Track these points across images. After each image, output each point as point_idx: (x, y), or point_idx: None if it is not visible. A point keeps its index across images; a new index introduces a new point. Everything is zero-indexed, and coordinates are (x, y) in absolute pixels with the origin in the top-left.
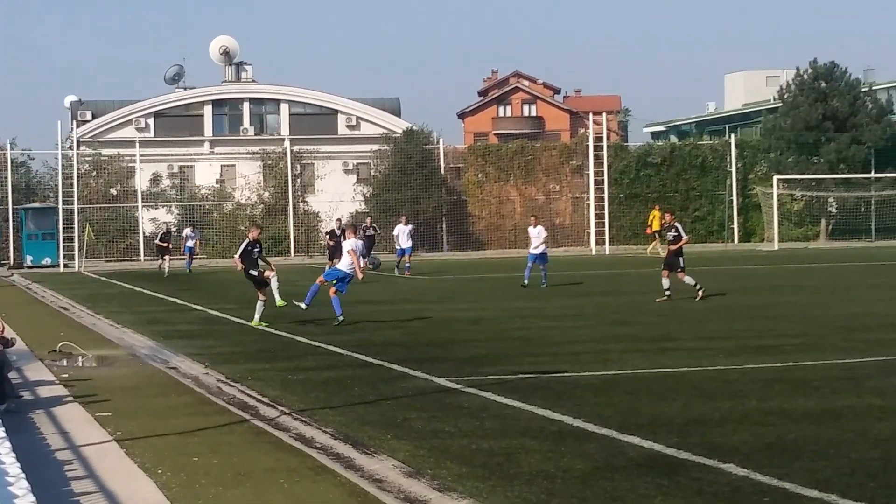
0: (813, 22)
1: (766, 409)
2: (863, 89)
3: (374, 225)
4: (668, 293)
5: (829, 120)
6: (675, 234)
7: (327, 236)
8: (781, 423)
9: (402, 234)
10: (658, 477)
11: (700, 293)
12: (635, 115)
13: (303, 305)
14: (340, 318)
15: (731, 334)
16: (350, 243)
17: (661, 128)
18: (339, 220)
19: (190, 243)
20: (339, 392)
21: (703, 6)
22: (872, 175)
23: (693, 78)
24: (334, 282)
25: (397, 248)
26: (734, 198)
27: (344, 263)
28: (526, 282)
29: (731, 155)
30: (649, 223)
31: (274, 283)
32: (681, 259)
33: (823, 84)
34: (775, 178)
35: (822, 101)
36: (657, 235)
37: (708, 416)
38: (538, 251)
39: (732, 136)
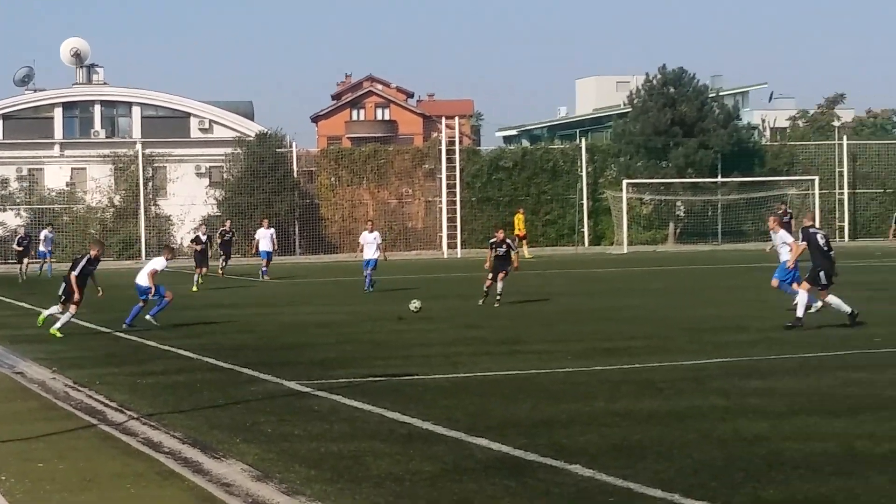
0: (662, 29)
1: (613, 411)
2: (710, 95)
3: (232, 229)
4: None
5: (677, 125)
6: (506, 250)
7: (193, 243)
8: (627, 424)
9: (264, 237)
10: (506, 478)
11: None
12: (488, 119)
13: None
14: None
15: (579, 337)
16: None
17: (514, 132)
18: (203, 225)
19: (45, 247)
20: (188, 396)
21: (554, 12)
22: (719, 179)
23: (545, 83)
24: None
25: (261, 251)
26: (584, 202)
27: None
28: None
29: (581, 159)
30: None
31: (67, 316)
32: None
33: (672, 90)
34: (625, 182)
35: (671, 106)
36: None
37: (556, 418)
38: (373, 257)
39: (583, 140)
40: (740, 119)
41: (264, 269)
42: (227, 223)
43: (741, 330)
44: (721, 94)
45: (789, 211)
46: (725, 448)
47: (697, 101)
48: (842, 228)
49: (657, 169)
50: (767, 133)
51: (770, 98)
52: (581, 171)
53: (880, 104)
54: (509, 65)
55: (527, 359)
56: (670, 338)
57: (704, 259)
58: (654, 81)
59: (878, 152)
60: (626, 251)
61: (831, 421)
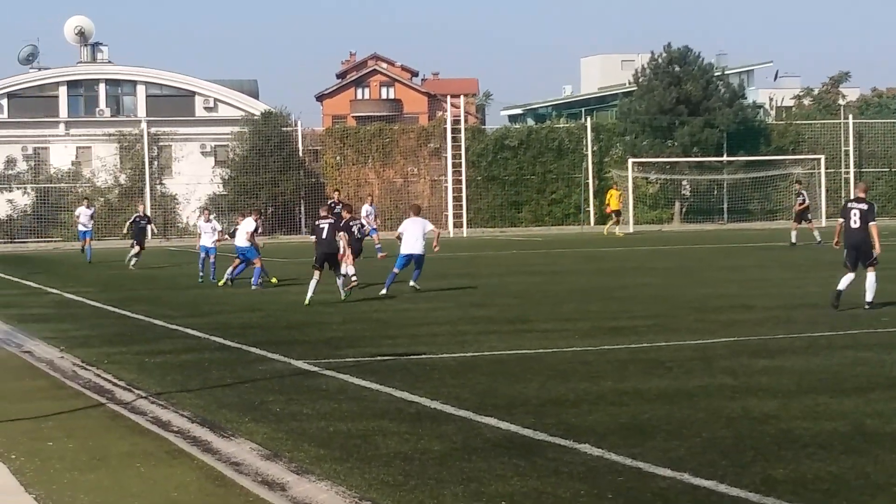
0: (667, 7)
1: (621, 390)
2: (715, 74)
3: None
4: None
5: (682, 104)
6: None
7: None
8: (636, 403)
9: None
10: (514, 458)
11: None
12: (493, 98)
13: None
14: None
15: (586, 316)
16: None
17: (519, 111)
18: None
19: (85, 225)
20: (196, 375)
21: None
22: (725, 158)
23: (550, 62)
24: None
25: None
26: (590, 181)
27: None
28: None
29: (587, 138)
30: (607, 203)
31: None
32: None
33: (677, 68)
34: (630, 161)
35: (676, 85)
36: (615, 215)
37: (564, 397)
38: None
39: (588, 119)
40: (745, 98)
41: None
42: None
43: (747, 309)
44: (726, 72)
45: (802, 192)
46: (734, 427)
47: (703, 79)
48: None
49: (663, 148)
50: (773, 112)
51: (775, 77)
52: (586, 150)
53: (885, 83)
54: (514, 43)
55: (534, 338)
56: (677, 317)
57: (710, 238)
58: (660, 60)
59: (883, 131)
60: (631, 230)
61: (841, 400)
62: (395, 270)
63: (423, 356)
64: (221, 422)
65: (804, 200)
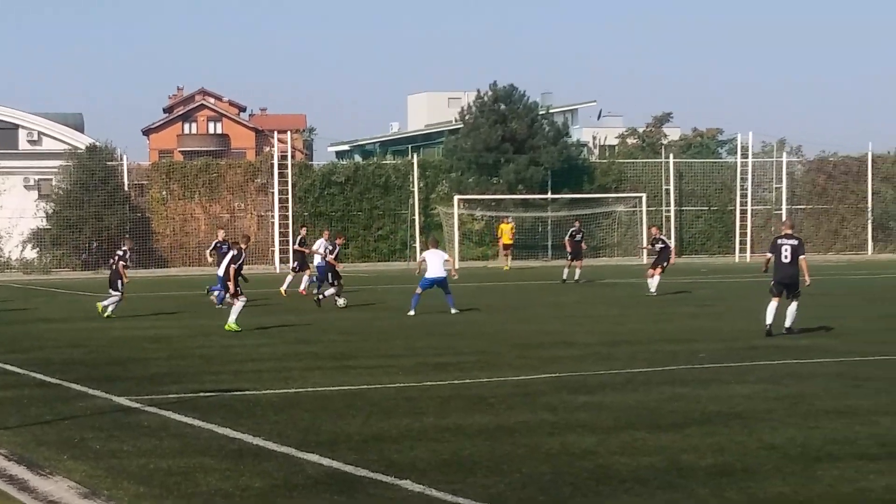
0: (493, 46)
1: (443, 426)
2: (540, 112)
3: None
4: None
5: (508, 141)
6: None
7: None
8: (457, 439)
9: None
10: (336, 494)
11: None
12: (320, 134)
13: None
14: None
15: (412, 352)
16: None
17: (346, 147)
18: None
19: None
20: (14, 412)
21: (386, 29)
22: (549, 196)
23: (377, 98)
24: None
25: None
26: (416, 217)
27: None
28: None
29: (413, 175)
30: (499, 236)
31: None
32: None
33: (503, 106)
34: (456, 197)
35: (502, 123)
36: (504, 248)
37: (386, 433)
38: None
39: (415, 156)
40: (570, 136)
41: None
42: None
43: (569, 345)
44: (551, 111)
45: (662, 237)
46: (553, 462)
47: (528, 118)
48: None
49: (488, 185)
50: (596, 150)
51: (599, 116)
52: (413, 187)
53: (705, 123)
54: (342, 80)
55: (358, 374)
56: (500, 353)
57: (534, 275)
58: (486, 98)
59: (702, 171)
60: (457, 266)
61: (658, 435)
62: (419, 291)
63: (247, 392)
64: (39, 460)
65: (665, 245)
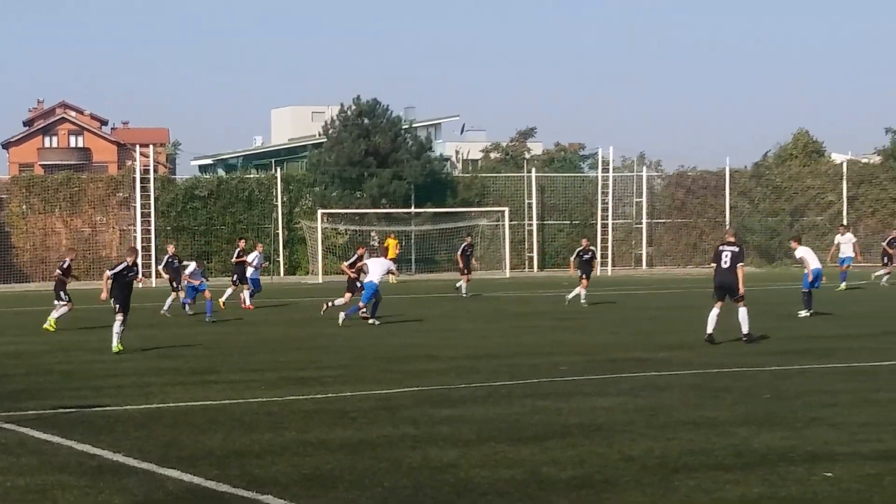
0: (357, 60)
1: (305, 441)
2: (404, 127)
3: None
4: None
5: (371, 156)
6: None
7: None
8: (319, 453)
9: None
10: None
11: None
12: (183, 148)
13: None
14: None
15: (274, 366)
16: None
17: (209, 161)
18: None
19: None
20: None
21: (249, 42)
22: (413, 210)
23: (240, 112)
24: None
25: None
26: (280, 231)
27: None
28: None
29: (277, 189)
30: (385, 248)
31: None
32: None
33: (366, 121)
34: (320, 212)
35: (366, 137)
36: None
37: (248, 448)
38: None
39: (279, 170)
40: (433, 151)
41: None
42: None
43: (433, 359)
44: (414, 125)
45: (591, 248)
46: (415, 476)
47: (391, 132)
48: (531, 259)
49: (352, 199)
50: (460, 165)
51: (462, 131)
52: (276, 201)
53: (568, 138)
54: (205, 93)
55: (220, 388)
56: (364, 367)
57: (397, 289)
58: (349, 112)
59: (564, 185)
60: (321, 280)
61: (519, 448)
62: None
63: (107, 408)
64: None
65: (592, 256)
